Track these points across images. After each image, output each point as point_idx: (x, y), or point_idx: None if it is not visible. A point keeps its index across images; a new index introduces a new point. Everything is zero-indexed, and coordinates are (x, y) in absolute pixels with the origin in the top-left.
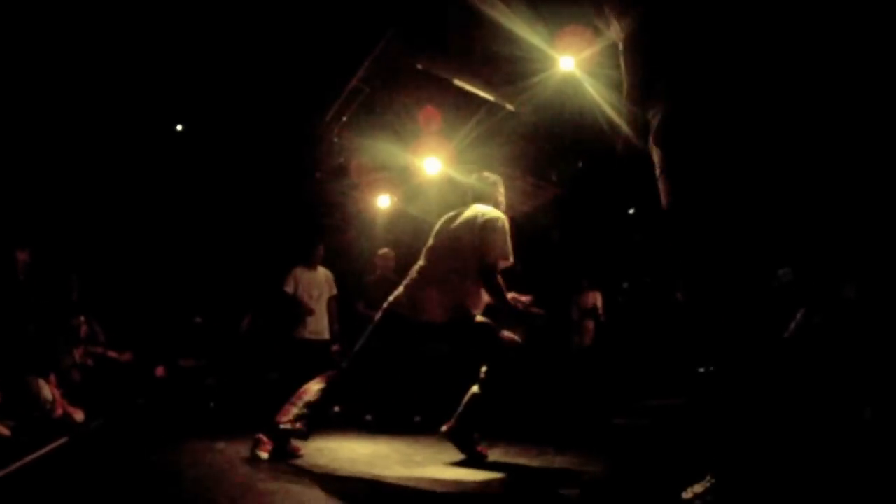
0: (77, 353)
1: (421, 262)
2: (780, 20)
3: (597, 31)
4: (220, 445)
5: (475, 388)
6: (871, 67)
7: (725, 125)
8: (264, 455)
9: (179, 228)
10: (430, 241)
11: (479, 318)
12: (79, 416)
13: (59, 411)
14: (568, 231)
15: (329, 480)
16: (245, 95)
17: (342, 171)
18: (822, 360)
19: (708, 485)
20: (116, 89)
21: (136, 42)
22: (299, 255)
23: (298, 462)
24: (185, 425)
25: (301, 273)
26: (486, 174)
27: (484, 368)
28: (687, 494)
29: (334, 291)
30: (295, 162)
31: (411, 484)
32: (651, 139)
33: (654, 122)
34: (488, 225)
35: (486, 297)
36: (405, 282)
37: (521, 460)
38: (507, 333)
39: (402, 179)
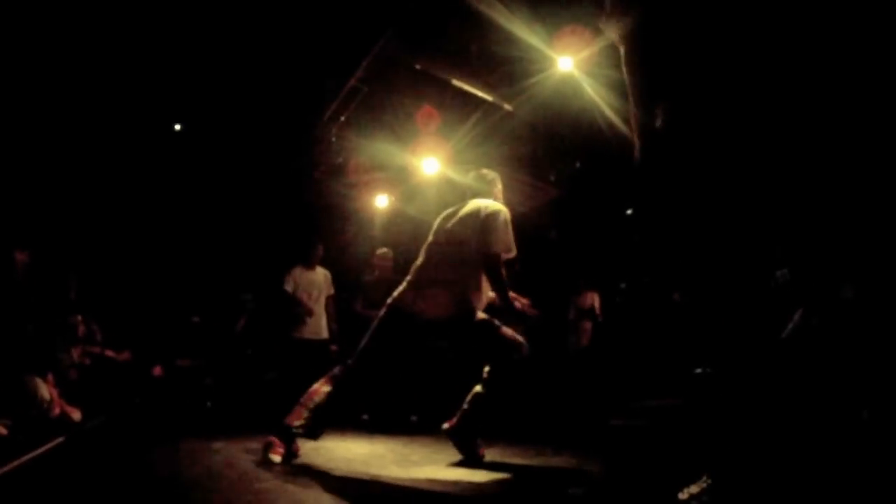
0: (75, 353)
1: (421, 260)
2: (780, 20)
3: (595, 32)
4: (218, 445)
5: (478, 388)
6: (871, 67)
7: (725, 125)
8: (277, 458)
9: (177, 228)
10: (430, 238)
11: (481, 315)
12: (76, 415)
13: (57, 410)
14: (565, 231)
15: (325, 480)
16: (243, 95)
17: (340, 171)
18: (820, 362)
19: (704, 485)
20: (115, 89)
21: (136, 42)
22: (298, 255)
23: (295, 462)
24: (183, 425)
25: (300, 273)
26: (484, 171)
27: (487, 368)
28: (683, 495)
29: (332, 291)
30: (293, 161)
31: (407, 484)
32: (654, 140)
33: (658, 124)
34: (491, 217)
35: (488, 294)
36: (407, 279)
37: (519, 460)
38: (510, 331)
39: (400, 179)
